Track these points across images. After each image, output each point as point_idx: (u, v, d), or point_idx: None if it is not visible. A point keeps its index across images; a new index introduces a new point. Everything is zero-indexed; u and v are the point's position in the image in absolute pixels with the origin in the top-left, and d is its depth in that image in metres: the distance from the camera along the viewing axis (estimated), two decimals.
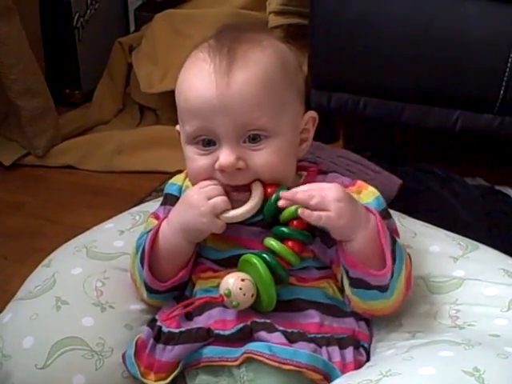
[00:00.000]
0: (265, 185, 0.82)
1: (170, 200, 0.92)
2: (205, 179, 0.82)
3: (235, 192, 0.81)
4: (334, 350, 0.77)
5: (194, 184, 0.86)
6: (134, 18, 2.09)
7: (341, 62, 1.44)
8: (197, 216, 0.80)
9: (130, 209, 1.13)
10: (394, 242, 0.79)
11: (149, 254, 0.83)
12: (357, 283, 0.78)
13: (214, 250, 0.85)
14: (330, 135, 1.70)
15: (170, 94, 1.88)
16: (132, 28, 2.16)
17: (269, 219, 0.81)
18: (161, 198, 0.97)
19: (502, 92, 1.33)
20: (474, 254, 0.94)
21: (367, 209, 0.80)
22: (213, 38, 0.85)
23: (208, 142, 0.82)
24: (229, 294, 0.75)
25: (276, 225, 0.80)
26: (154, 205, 1.05)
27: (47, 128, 1.74)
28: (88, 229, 1.07)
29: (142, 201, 1.43)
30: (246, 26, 0.91)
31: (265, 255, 0.77)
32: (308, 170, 0.91)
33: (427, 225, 1.01)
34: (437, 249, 0.94)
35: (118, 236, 1.02)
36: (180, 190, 0.92)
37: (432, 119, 1.42)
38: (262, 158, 0.81)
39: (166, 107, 1.86)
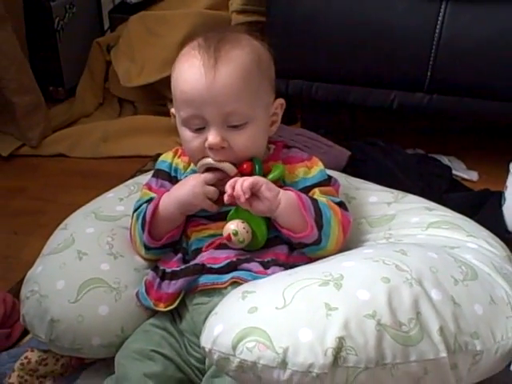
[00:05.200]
0: (240, 165, 0.98)
1: (162, 174, 1.09)
2: (199, 156, 1.00)
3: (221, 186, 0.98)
4: None
5: (192, 159, 1.04)
6: (109, 20, 2.25)
7: (295, 54, 1.64)
8: (191, 194, 0.99)
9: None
10: (316, 204, 0.96)
11: (150, 220, 1.02)
12: (297, 245, 0.99)
13: (203, 210, 1.02)
14: (290, 118, 1.87)
15: (146, 88, 2.08)
16: (106, 27, 2.32)
17: None
18: (148, 174, 1.16)
19: (429, 73, 1.55)
20: (404, 199, 1.17)
21: (286, 189, 0.97)
22: (201, 38, 0.99)
23: (198, 129, 0.97)
24: (236, 234, 0.95)
25: None
26: (144, 177, 1.23)
27: (39, 121, 1.88)
28: (83, 205, 1.22)
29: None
30: (228, 29, 1.07)
31: None
32: (276, 144, 1.09)
33: (367, 182, 1.24)
34: (375, 198, 1.17)
35: (118, 202, 1.21)
36: (170, 166, 1.10)
37: (373, 99, 1.64)
38: (242, 140, 0.97)
39: (142, 99, 2.05)
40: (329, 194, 1.03)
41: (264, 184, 0.95)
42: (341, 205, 1.02)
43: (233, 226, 0.97)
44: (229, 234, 0.96)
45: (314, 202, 0.98)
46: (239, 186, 0.94)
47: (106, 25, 2.33)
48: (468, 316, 0.84)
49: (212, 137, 0.96)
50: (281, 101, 1.05)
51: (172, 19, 1.93)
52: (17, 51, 1.81)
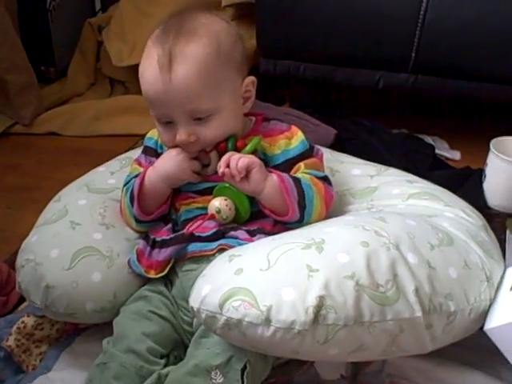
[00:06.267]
0: (216, 144, 1.01)
1: (149, 151, 1.13)
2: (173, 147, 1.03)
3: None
4: None
5: (167, 147, 1.06)
6: (100, 0, 2.27)
7: (284, 35, 1.68)
8: (178, 169, 1.02)
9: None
10: (298, 184, 0.99)
11: (137, 195, 1.05)
12: (279, 222, 1.02)
13: (191, 184, 1.06)
14: (278, 98, 1.88)
15: (137, 68, 2.08)
16: (97, 8, 2.35)
17: None
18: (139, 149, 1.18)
19: (413, 54, 1.59)
20: (386, 172, 1.20)
21: (269, 171, 1.00)
22: (160, 28, 0.99)
23: (168, 122, 1.00)
24: (219, 211, 1.00)
25: None
26: (135, 152, 1.26)
27: (32, 100, 1.90)
28: None
29: None
30: (189, 13, 1.02)
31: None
32: (256, 116, 1.11)
33: (351, 156, 1.28)
34: (358, 171, 1.21)
35: (110, 176, 1.24)
36: (156, 143, 1.13)
37: (359, 79, 1.68)
38: (210, 131, 0.99)
39: (133, 79, 1.93)
40: (314, 167, 1.05)
41: (257, 166, 0.99)
42: (325, 179, 1.05)
43: (216, 203, 1.01)
44: (212, 213, 1.00)
45: (297, 182, 1.00)
46: (235, 164, 0.97)
47: (98, 5, 2.36)
48: (443, 279, 0.88)
49: (179, 134, 1.00)
50: (251, 79, 1.05)
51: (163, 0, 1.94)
52: (9, 30, 1.82)
